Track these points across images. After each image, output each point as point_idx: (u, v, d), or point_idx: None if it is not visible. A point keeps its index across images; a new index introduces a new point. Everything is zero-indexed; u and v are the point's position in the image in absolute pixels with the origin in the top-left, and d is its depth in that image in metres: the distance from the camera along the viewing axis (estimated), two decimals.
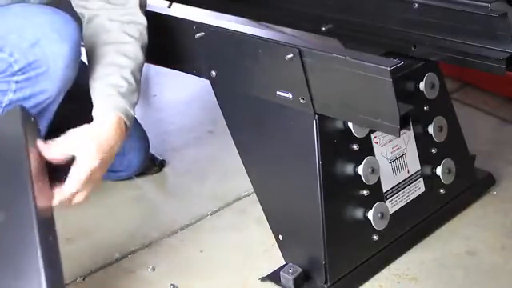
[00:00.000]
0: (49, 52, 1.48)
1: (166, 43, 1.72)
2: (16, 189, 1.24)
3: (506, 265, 1.64)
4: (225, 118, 1.74)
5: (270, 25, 1.96)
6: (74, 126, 1.44)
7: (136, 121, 1.98)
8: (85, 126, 1.42)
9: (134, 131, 1.95)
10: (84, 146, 1.39)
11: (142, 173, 2.04)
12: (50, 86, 1.52)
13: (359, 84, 1.39)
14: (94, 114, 1.47)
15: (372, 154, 1.60)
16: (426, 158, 1.73)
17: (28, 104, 1.53)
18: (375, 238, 1.61)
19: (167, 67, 1.90)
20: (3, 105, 1.57)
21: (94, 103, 1.48)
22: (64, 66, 1.50)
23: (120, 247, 1.75)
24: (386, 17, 1.67)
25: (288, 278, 1.55)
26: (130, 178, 2.02)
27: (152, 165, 2.06)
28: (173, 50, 1.72)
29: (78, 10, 1.60)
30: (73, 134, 1.41)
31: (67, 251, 1.74)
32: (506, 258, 1.66)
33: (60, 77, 1.51)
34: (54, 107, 1.60)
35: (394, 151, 1.66)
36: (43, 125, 1.63)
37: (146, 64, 1.62)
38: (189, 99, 2.57)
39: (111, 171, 1.97)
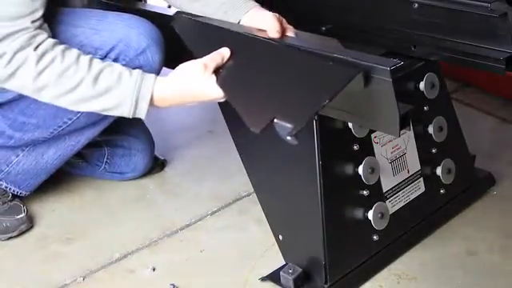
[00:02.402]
0: (151, 60, 1.65)
1: (166, 43, 1.72)
2: None
3: (506, 265, 1.64)
4: (225, 118, 1.74)
5: None
6: None
7: (142, 123, 2.01)
8: None
9: (140, 134, 1.98)
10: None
11: None
12: None
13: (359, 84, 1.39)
14: None
15: (372, 154, 1.60)
16: (426, 158, 1.73)
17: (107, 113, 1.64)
18: (375, 237, 1.61)
19: (168, 67, 1.89)
20: None
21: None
22: (158, 70, 1.67)
23: (120, 247, 1.75)
24: (386, 17, 1.67)
25: (288, 278, 1.55)
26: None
27: (153, 165, 2.06)
28: (173, 50, 1.71)
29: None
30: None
31: (67, 251, 1.75)
32: (506, 258, 1.66)
33: None
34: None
35: (394, 151, 1.66)
36: (93, 133, 1.82)
37: None
38: None
39: (117, 173, 2.00)
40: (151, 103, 1.50)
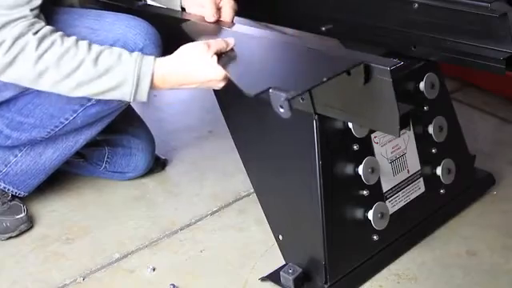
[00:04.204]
0: None
1: (165, 43, 1.72)
2: None
3: (506, 265, 1.64)
4: (225, 118, 1.74)
5: (271, 25, 1.95)
6: None
7: (143, 123, 2.02)
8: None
9: (140, 133, 1.98)
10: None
11: None
12: None
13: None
14: None
15: (372, 154, 1.60)
16: (426, 158, 1.73)
17: (109, 106, 1.70)
18: (375, 237, 1.61)
19: None
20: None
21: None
22: None
23: (120, 247, 1.75)
24: (386, 17, 1.67)
25: (288, 278, 1.55)
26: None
27: (154, 164, 2.06)
28: (172, 50, 1.72)
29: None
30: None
31: (67, 251, 1.75)
32: (506, 258, 1.66)
33: None
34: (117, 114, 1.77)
35: (394, 151, 1.66)
36: (91, 133, 1.80)
37: None
38: (189, 99, 2.57)
39: (117, 172, 2.00)
40: (152, 85, 1.49)
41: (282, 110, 1.23)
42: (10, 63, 1.47)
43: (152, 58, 1.51)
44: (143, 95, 1.51)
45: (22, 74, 1.50)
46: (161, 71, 1.50)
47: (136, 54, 1.51)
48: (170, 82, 1.51)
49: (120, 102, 1.68)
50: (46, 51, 1.47)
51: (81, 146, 1.83)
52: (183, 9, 1.75)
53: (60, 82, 1.50)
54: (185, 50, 1.49)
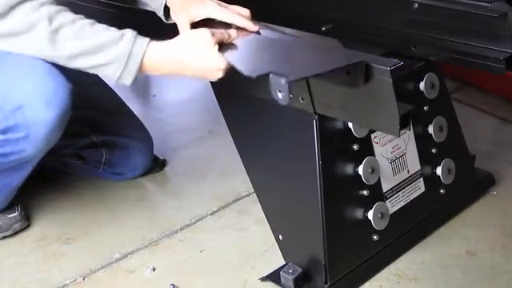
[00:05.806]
0: (30, 119, 1.45)
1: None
2: None
3: (506, 265, 1.64)
4: (225, 118, 1.74)
5: (270, 25, 1.95)
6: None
7: (141, 123, 2.01)
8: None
9: (138, 133, 1.98)
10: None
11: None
12: (30, 148, 1.52)
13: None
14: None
15: (372, 154, 1.60)
16: (426, 158, 1.73)
17: (8, 159, 1.55)
18: (375, 237, 1.61)
19: None
20: None
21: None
22: (46, 132, 1.49)
23: (120, 247, 1.75)
24: (386, 17, 1.67)
25: (288, 278, 1.55)
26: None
27: (153, 164, 2.06)
28: None
29: None
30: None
31: (67, 251, 1.75)
32: (506, 258, 1.66)
33: (41, 141, 1.50)
34: (36, 161, 1.62)
35: (394, 151, 1.66)
36: (23, 174, 1.66)
37: None
38: (189, 99, 2.58)
39: (116, 173, 2.00)
40: (145, 66, 1.41)
41: (280, 96, 1.24)
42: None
43: (146, 38, 1.42)
44: (131, 72, 1.40)
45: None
46: (157, 52, 1.41)
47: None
48: (166, 66, 1.43)
49: (19, 156, 1.55)
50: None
51: (17, 187, 1.72)
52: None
53: (69, 24, 1.37)
54: (189, 37, 1.45)
